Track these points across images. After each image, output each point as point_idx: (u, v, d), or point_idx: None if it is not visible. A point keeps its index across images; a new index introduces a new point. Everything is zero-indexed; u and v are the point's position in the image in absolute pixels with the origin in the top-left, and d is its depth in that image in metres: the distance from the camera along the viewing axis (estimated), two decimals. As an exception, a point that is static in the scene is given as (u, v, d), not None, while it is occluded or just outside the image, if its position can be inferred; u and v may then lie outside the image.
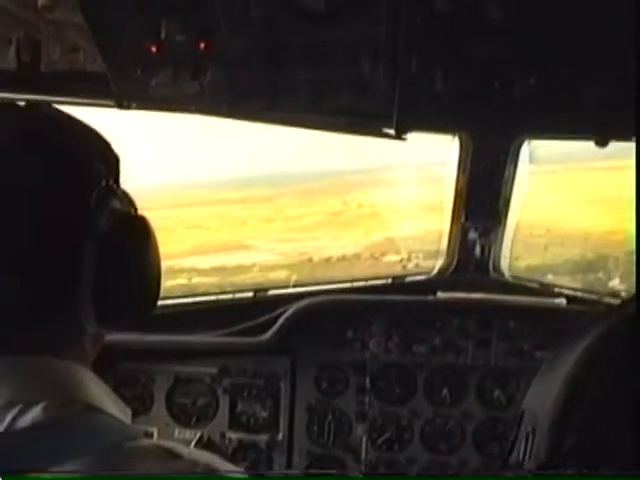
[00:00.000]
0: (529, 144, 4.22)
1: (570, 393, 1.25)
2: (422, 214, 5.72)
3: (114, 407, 1.57)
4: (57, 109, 1.68)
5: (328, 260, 6.45)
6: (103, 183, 1.60)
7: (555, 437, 1.25)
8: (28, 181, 1.52)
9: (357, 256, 6.58)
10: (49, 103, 1.69)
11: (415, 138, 3.89)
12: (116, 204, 1.62)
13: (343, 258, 6.47)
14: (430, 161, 4.86)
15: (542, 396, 1.34)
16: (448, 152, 4.29)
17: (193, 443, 4.24)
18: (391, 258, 5.77)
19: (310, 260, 6.47)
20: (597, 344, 1.27)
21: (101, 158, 1.65)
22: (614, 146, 3.79)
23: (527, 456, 1.34)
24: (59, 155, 1.58)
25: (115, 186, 1.66)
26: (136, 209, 1.74)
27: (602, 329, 1.28)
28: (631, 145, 3.63)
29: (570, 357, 1.29)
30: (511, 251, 4.62)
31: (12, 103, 1.66)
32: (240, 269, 6.95)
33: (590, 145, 3.81)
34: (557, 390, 1.27)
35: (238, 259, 7.17)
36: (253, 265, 7.00)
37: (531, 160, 4.31)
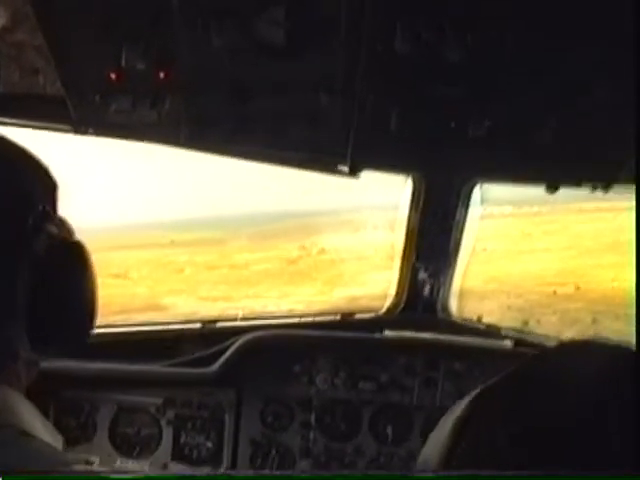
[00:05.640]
0: (481, 187, 4.27)
1: (457, 430, 1.29)
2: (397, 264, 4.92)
3: (46, 433, 1.55)
4: None
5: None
6: (40, 208, 1.59)
7: (442, 467, 1.29)
8: None
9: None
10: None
11: (385, 179, 3.85)
12: (53, 229, 1.61)
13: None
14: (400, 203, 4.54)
15: (431, 448, 1.38)
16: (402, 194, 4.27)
17: None
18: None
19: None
20: (488, 387, 1.32)
21: (38, 182, 1.64)
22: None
23: None
24: None
25: (52, 211, 1.66)
26: (73, 235, 1.73)
27: (497, 378, 1.33)
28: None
29: (459, 406, 1.34)
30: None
31: None
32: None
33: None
34: (445, 434, 1.31)
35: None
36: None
37: (497, 202, 4.26)
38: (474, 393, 1.32)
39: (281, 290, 6.99)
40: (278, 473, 3.99)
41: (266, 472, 4.22)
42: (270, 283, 7.13)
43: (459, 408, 1.33)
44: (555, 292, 5.49)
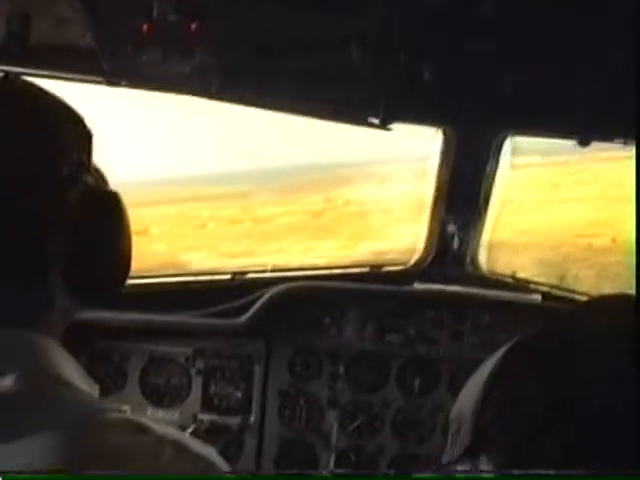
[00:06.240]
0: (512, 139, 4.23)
1: (492, 382, 1.29)
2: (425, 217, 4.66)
3: (82, 381, 1.58)
4: (30, 82, 1.67)
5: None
6: (74, 157, 1.60)
7: (476, 416, 1.29)
8: None
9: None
10: (20, 75, 1.67)
11: (412, 131, 3.81)
12: (88, 179, 1.63)
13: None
14: (429, 154, 4.42)
15: (466, 398, 1.39)
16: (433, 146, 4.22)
17: None
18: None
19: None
20: (521, 340, 1.32)
21: (73, 132, 1.65)
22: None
23: (455, 452, 1.39)
24: (30, 128, 1.57)
25: (87, 161, 1.66)
26: (108, 185, 1.74)
27: (528, 333, 1.33)
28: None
29: (494, 358, 1.34)
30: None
31: None
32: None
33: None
34: (481, 386, 1.31)
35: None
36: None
37: (523, 152, 4.20)
38: (507, 345, 1.33)
39: (305, 244, 6.95)
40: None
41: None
42: (294, 237, 7.11)
43: (492, 361, 1.34)
44: (590, 245, 5.30)
